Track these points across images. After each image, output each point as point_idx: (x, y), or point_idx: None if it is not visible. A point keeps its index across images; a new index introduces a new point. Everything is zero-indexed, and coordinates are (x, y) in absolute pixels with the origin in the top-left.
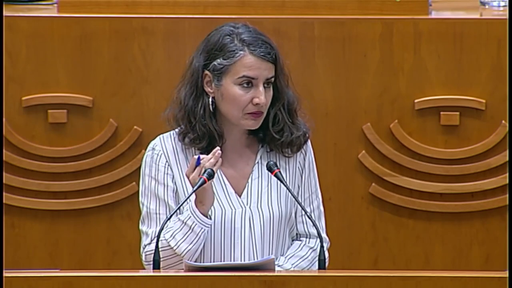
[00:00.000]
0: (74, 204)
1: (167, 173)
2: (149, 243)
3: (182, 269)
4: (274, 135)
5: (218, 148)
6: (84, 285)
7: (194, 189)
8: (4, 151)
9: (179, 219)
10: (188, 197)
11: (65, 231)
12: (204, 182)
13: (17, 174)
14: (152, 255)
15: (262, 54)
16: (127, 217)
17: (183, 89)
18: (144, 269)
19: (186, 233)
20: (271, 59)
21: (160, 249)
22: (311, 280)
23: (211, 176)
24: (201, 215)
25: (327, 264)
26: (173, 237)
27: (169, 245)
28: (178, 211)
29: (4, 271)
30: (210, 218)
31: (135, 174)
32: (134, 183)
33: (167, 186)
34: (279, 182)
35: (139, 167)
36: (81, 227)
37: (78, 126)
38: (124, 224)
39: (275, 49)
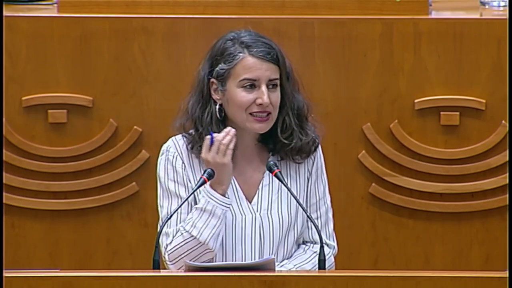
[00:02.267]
0: (74, 204)
1: (185, 174)
2: (171, 242)
3: (186, 267)
4: (284, 141)
5: (229, 127)
6: (84, 285)
7: (194, 189)
8: (4, 151)
9: (196, 209)
10: (187, 198)
11: (65, 231)
12: (204, 182)
13: (17, 174)
14: (175, 251)
15: (261, 54)
16: (127, 217)
17: (191, 99)
18: (147, 263)
19: (207, 219)
20: (272, 60)
21: (184, 243)
22: (311, 280)
23: (211, 176)
24: (220, 196)
25: (333, 269)
26: (194, 227)
27: (192, 235)
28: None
29: (4, 271)
30: (228, 197)
31: (135, 174)
32: (134, 183)
33: (187, 186)
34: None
35: (140, 168)
36: (81, 227)
37: (78, 126)
38: (124, 224)
39: (276, 50)
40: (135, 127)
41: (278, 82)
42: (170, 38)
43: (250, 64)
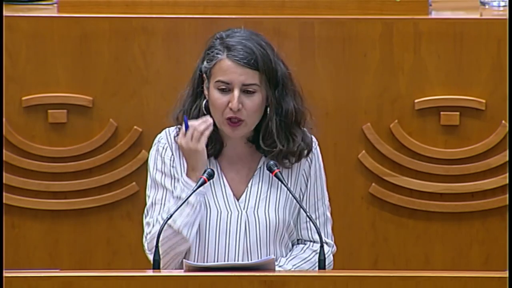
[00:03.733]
0: (74, 204)
1: (172, 166)
2: (150, 231)
3: (182, 269)
4: (265, 148)
5: (208, 117)
6: (84, 285)
7: (194, 189)
8: (4, 151)
9: (172, 197)
10: (187, 198)
11: (65, 231)
12: (204, 182)
13: (17, 174)
14: (152, 239)
15: (237, 59)
16: (127, 217)
17: (186, 90)
18: (147, 263)
19: (181, 207)
20: (249, 65)
21: (160, 230)
22: (311, 280)
23: (211, 176)
24: (193, 183)
25: (331, 268)
26: (170, 215)
27: (168, 225)
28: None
29: (4, 271)
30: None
31: (135, 174)
32: (134, 183)
33: (174, 178)
34: (279, 189)
35: (140, 168)
36: (81, 227)
37: (78, 126)
38: (124, 224)
39: (257, 55)
40: (135, 127)
41: (256, 88)
42: (170, 38)
43: (225, 67)
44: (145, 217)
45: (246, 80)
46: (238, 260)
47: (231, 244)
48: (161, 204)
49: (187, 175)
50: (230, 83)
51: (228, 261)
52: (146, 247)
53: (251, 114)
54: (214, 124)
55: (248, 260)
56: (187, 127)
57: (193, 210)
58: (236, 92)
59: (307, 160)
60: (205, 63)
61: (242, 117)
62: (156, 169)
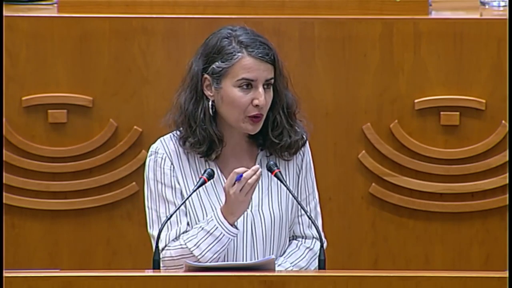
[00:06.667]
0: (74, 204)
1: (173, 176)
2: (167, 249)
3: (182, 268)
4: (273, 139)
5: (258, 166)
6: (84, 285)
7: (194, 189)
8: (4, 151)
9: (202, 228)
10: (187, 199)
11: (65, 231)
12: (204, 182)
13: (17, 174)
14: (171, 260)
15: (260, 55)
16: (127, 217)
17: (183, 93)
18: (147, 263)
19: (212, 243)
20: (270, 60)
21: (182, 257)
22: (311, 280)
23: (211, 176)
24: (229, 226)
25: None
26: (197, 247)
27: (192, 254)
28: (191, 216)
29: (4, 271)
30: (237, 228)
31: (135, 174)
32: (134, 183)
33: (175, 188)
34: (279, 184)
35: (140, 168)
36: (81, 227)
37: (78, 126)
38: (124, 224)
39: (273, 50)
40: (135, 127)
41: (272, 81)
42: (170, 38)
43: (249, 64)
44: (151, 228)
45: (268, 75)
46: (246, 260)
47: (239, 244)
48: (167, 217)
49: (223, 213)
50: (256, 79)
51: (236, 260)
52: (161, 264)
53: (267, 108)
54: (216, 124)
55: (255, 258)
56: (238, 178)
57: (223, 248)
58: (261, 89)
59: (299, 153)
60: (218, 63)
61: (264, 112)
62: (156, 180)
